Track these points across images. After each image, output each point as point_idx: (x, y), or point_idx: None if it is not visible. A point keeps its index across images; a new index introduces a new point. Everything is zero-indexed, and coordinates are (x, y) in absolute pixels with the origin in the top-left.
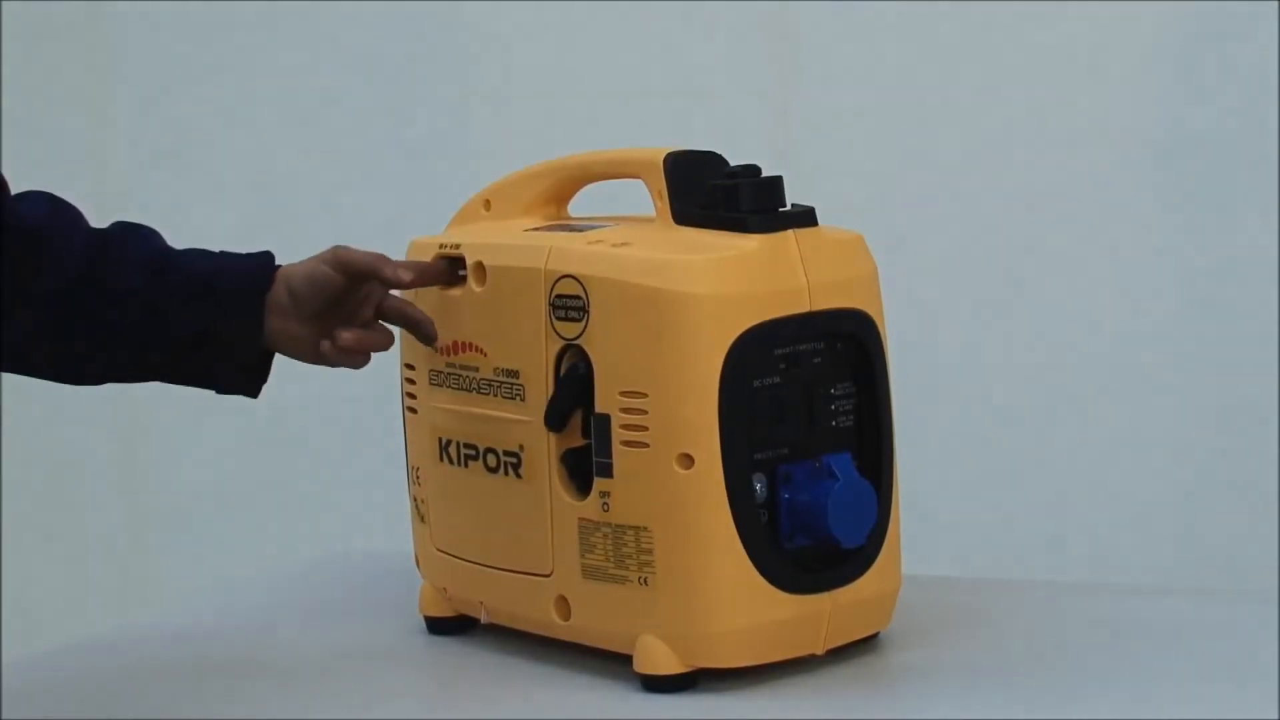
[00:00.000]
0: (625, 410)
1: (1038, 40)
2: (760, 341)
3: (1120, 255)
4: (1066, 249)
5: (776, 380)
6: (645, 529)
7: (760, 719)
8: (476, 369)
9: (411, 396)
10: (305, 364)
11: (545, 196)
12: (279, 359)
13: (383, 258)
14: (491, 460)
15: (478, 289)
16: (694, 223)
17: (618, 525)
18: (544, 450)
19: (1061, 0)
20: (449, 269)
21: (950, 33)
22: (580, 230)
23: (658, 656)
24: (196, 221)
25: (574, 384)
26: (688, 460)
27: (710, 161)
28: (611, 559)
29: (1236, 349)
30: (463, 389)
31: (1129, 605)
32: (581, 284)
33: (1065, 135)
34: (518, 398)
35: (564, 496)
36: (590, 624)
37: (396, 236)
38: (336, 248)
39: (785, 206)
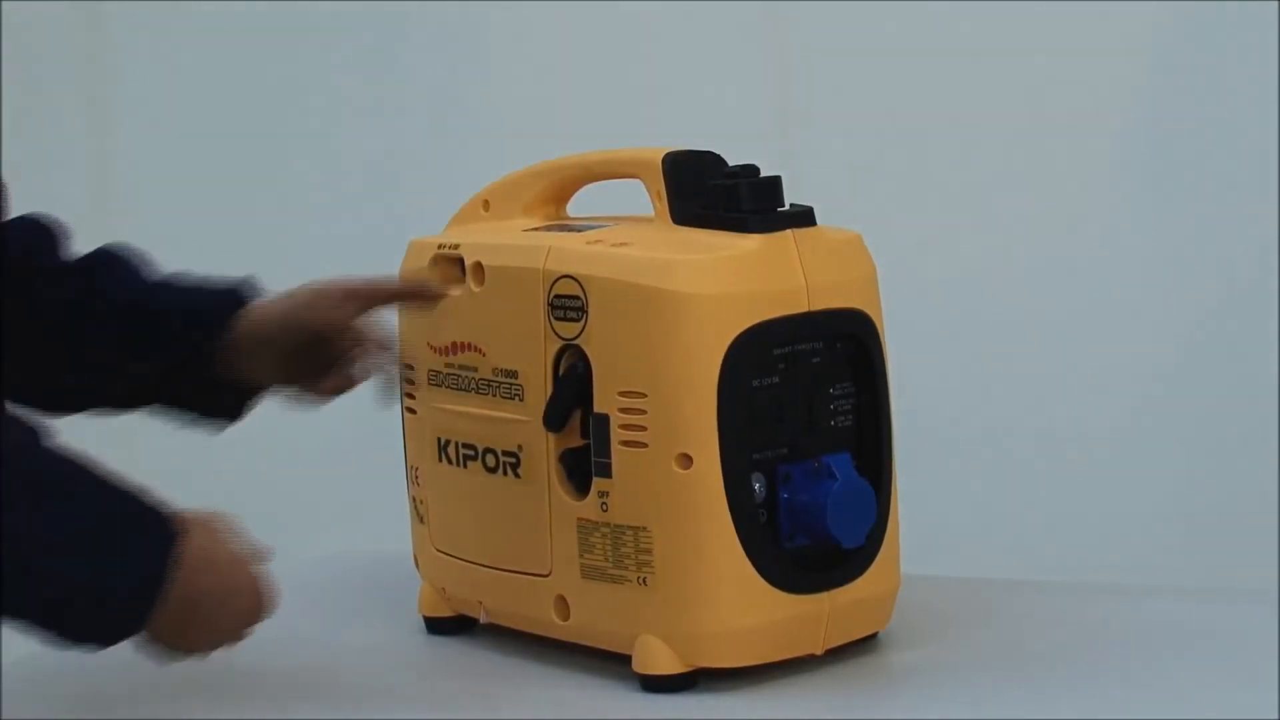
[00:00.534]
0: (624, 410)
1: (1039, 40)
2: (759, 341)
3: (1121, 255)
4: (1067, 248)
5: (775, 380)
6: (644, 529)
7: (759, 719)
8: (475, 369)
9: (410, 397)
10: None
11: (544, 196)
12: None
13: (341, 318)
14: (490, 460)
15: (476, 289)
16: (693, 223)
17: (617, 525)
18: (543, 450)
19: (1063, 0)
20: (416, 289)
21: (950, 32)
22: (579, 230)
23: (657, 656)
24: (196, 222)
25: (573, 384)
26: (686, 460)
27: (709, 161)
28: (610, 559)
29: (1237, 349)
30: (462, 389)
31: (1129, 605)
32: (580, 284)
33: (1066, 135)
34: (517, 398)
35: (563, 496)
36: (589, 624)
37: (396, 237)
38: (299, 303)
39: (784, 206)
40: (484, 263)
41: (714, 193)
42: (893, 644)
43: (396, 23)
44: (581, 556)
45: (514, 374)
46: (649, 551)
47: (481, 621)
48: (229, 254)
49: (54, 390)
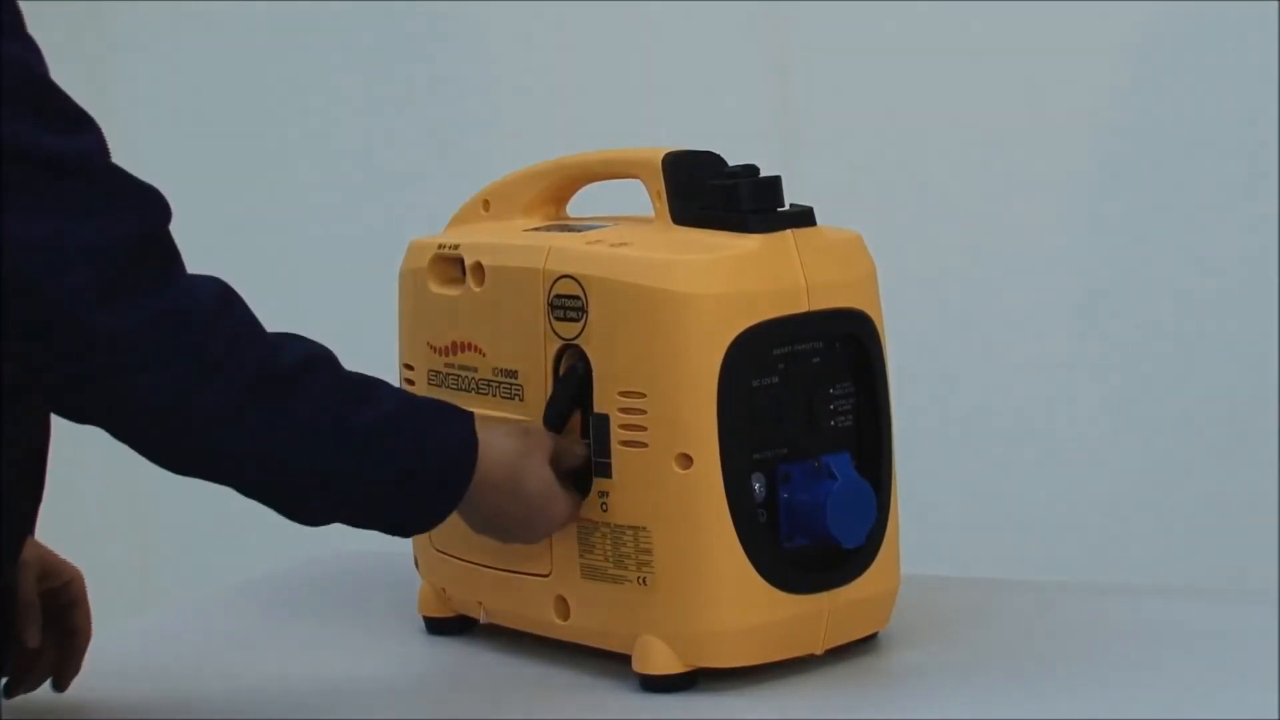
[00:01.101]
0: (624, 410)
1: (1038, 40)
2: (759, 341)
3: (1121, 254)
4: (1067, 248)
5: (775, 380)
6: (644, 529)
7: (759, 719)
8: (475, 369)
9: None
10: None
11: (544, 197)
12: None
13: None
14: None
15: (477, 289)
16: (693, 223)
17: (617, 525)
18: None
19: (1064, 0)
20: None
21: (949, 33)
22: (579, 230)
23: (657, 656)
24: (196, 222)
25: (573, 384)
26: (686, 460)
27: (709, 161)
28: (610, 559)
29: (1237, 349)
30: (461, 389)
31: (1128, 605)
32: (580, 284)
33: (1066, 135)
34: (516, 398)
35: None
36: (589, 624)
37: (396, 237)
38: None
39: (784, 206)
40: (484, 263)
41: (714, 193)
42: (893, 644)
43: (396, 23)
44: (581, 556)
45: (514, 374)
46: (649, 551)
47: (481, 621)
48: (229, 254)
49: None
